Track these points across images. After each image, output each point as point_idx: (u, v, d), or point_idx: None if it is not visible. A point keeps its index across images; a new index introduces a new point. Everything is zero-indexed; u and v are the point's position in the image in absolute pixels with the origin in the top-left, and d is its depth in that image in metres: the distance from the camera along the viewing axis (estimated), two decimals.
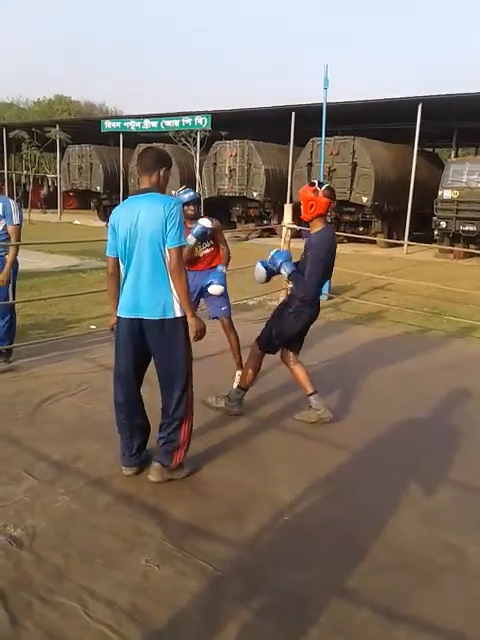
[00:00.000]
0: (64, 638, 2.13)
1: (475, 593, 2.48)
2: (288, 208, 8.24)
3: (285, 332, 4.12)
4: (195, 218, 4.67)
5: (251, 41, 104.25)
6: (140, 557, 2.60)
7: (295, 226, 8.26)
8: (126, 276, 3.17)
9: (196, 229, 4.54)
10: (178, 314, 3.14)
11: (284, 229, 8.15)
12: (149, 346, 3.21)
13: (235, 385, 4.43)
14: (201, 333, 3.19)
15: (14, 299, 5.34)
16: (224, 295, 4.79)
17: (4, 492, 3.08)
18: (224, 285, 4.75)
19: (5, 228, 5.10)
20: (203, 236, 4.62)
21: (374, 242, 17.33)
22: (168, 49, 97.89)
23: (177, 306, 3.13)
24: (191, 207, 4.66)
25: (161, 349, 3.19)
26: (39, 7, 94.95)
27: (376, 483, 3.40)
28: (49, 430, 3.90)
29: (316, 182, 3.93)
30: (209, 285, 4.71)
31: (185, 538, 2.75)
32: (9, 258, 5.05)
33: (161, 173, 3.17)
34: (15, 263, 5.15)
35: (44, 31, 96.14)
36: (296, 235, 10.46)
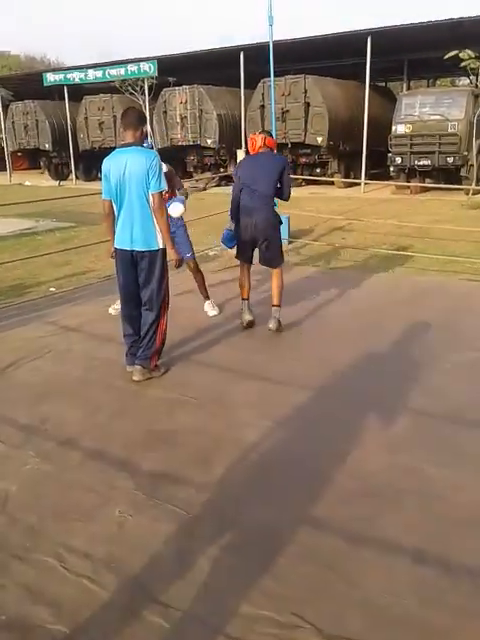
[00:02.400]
0: (44, 593, 2.19)
1: (436, 512, 2.62)
2: (242, 153, 8.11)
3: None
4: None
5: None
6: (114, 509, 2.66)
7: None
8: (119, 215, 3.91)
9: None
10: (160, 246, 3.93)
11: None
12: (138, 272, 3.96)
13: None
14: (179, 262, 4.14)
15: None
16: (186, 242, 5.30)
17: None
18: (183, 209, 5.02)
19: None
20: None
21: (332, 183, 17.26)
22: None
23: (159, 239, 3.91)
24: None
25: (146, 274, 3.95)
26: None
27: (338, 417, 3.52)
28: (14, 395, 3.90)
29: (257, 131, 5.28)
30: (170, 206, 4.80)
31: (156, 487, 2.83)
32: None
33: (143, 129, 3.90)
34: None
35: None
36: None
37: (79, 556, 2.37)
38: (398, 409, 3.57)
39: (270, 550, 2.39)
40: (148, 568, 2.30)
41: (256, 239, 4.91)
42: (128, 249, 3.91)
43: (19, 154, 26.34)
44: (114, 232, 3.98)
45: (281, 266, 5.08)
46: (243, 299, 5.12)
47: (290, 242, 8.83)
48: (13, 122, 24.05)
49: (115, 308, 5.34)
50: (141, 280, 4.00)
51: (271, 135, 5.09)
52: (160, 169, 3.83)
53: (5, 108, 24.33)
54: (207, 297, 5.55)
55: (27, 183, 23.11)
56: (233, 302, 5.65)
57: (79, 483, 2.88)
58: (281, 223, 5.12)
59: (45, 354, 4.59)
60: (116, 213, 3.95)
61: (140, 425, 3.46)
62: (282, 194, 4.95)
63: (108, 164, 3.89)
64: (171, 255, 4.01)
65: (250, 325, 5.06)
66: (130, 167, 3.77)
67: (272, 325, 4.92)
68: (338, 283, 6.54)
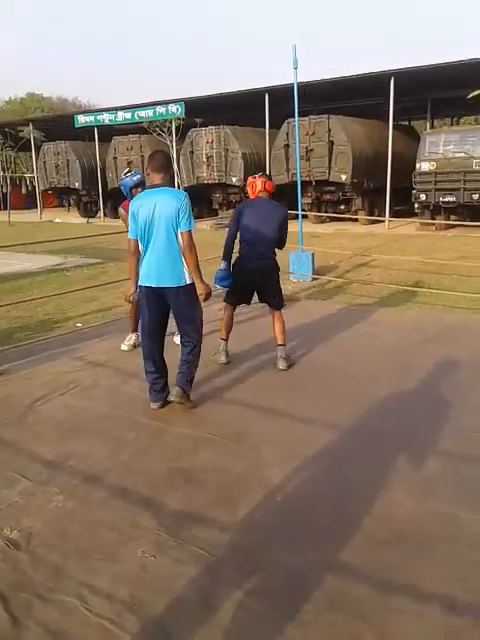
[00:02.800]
0: (65, 635, 2.16)
1: (468, 560, 2.53)
2: None
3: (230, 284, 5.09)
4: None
5: (220, 25, 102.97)
6: (137, 549, 2.63)
7: None
8: (146, 253, 4.00)
9: None
10: (188, 282, 4.01)
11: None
12: (171, 307, 4.09)
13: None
14: (207, 295, 4.12)
15: None
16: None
17: None
18: None
19: None
20: None
21: (356, 220, 17.35)
22: (137, 39, 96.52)
23: (187, 276, 4.00)
24: (139, 189, 5.02)
25: (179, 309, 4.08)
26: (4, 8, 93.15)
27: (366, 458, 3.45)
28: (41, 430, 3.92)
29: (256, 174, 5.17)
30: None
31: (180, 527, 2.79)
32: None
33: (171, 171, 4.11)
34: None
35: (11, 29, 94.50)
36: None
37: (102, 597, 2.34)
38: (428, 451, 3.49)
39: (295, 596, 2.33)
40: (171, 611, 2.26)
41: (254, 287, 5.03)
42: (155, 286, 3.98)
43: (49, 192, 27.13)
44: (137, 272, 4.07)
45: (282, 308, 5.10)
46: (222, 339, 5.12)
47: (314, 279, 8.86)
48: (45, 162, 24.88)
49: (128, 343, 5.49)
50: (175, 316, 4.14)
51: (270, 179, 5.14)
52: (190, 209, 3.94)
53: (37, 148, 25.20)
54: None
55: (57, 220, 23.74)
56: (256, 338, 5.64)
57: (103, 521, 2.86)
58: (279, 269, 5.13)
59: (72, 389, 4.63)
60: (142, 252, 4.03)
61: (164, 463, 3.44)
62: (279, 243, 5.02)
63: (137, 204, 3.99)
64: (200, 289, 4.08)
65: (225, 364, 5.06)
66: (160, 207, 3.87)
67: (282, 365, 4.90)
68: (364, 320, 6.51)
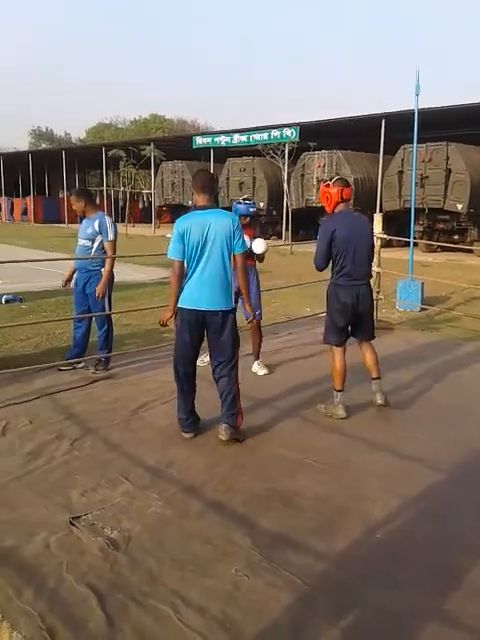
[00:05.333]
0: None
1: None
2: (378, 217, 8.06)
3: (326, 320, 4.56)
4: (246, 227, 5.02)
5: (335, 50, 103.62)
6: (230, 566, 2.62)
7: (385, 235, 8.07)
8: (193, 275, 3.84)
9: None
10: (233, 305, 3.97)
11: (374, 239, 7.98)
12: (209, 331, 3.90)
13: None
14: (253, 316, 4.23)
15: (110, 310, 5.60)
16: (258, 300, 5.44)
17: (103, 495, 3.22)
18: (265, 246, 5.30)
19: (101, 243, 5.37)
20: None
21: (470, 251, 16.59)
22: (255, 64, 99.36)
23: (233, 299, 3.96)
24: (247, 219, 5.24)
25: (220, 333, 3.89)
26: (134, 36, 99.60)
27: (471, 505, 3.24)
28: (144, 436, 4.04)
29: (329, 180, 4.50)
30: (253, 243, 5.18)
31: (274, 549, 2.75)
32: (106, 271, 5.33)
33: (216, 192, 4.09)
34: (111, 275, 5.41)
35: (139, 55, 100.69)
36: (387, 244, 10.23)
37: (194, 609, 2.34)
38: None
39: (392, 639, 2.21)
40: (262, 635, 2.21)
41: (356, 315, 4.44)
42: (201, 309, 3.82)
43: (164, 208, 28.37)
44: (178, 294, 3.89)
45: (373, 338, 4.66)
46: (337, 391, 4.45)
47: (422, 309, 8.55)
48: (162, 179, 26.12)
49: (204, 360, 5.18)
50: (213, 340, 3.92)
51: (348, 184, 4.46)
52: (242, 232, 3.91)
53: (157, 166, 26.49)
54: (257, 357, 5.59)
55: (168, 235, 24.70)
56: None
57: (198, 533, 2.88)
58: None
59: (175, 398, 4.72)
60: (188, 273, 3.85)
61: (261, 482, 3.42)
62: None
63: (187, 224, 3.79)
64: (248, 309, 4.14)
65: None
66: (214, 228, 3.76)
67: (380, 399, 4.50)
68: (476, 356, 6.17)
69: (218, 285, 3.82)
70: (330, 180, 4.46)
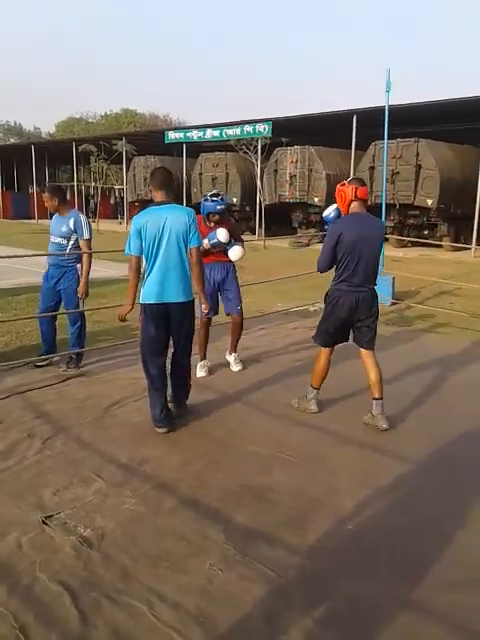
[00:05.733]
0: (133, 639, 2.19)
1: None
2: None
3: (320, 320, 4.44)
4: (218, 223, 5.19)
5: (310, 46, 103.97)
6: (205, 561, 2.64)
7: None
8: (151, 270, 3.94)
9: (213, 241, 5.08)
10: (192, 297, 4.08)
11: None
12: (171, 323, 4.02)
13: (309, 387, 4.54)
14: (207, 308, 4.30)
15: (83, 306, 5.56)
16: (238, 297, 5.41)
17: (75, 494, 3.20)
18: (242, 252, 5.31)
19: (76, 241, 5.33)
20: (216, 246, 5.15)
21: (440, 246, 16.86)
22: (228, 59, 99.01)
23: (191, 291, 4.07)
24: (216, 217, 5.18)
25: (180, 324, 4.04)
26: (105, 26, 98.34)
27: (442, 496, 3.31)
28: (117, 433, 4.03)
29: (346, 180, 4.34)
30: (230, 250, 5.25)
31: (248, 543, 2.78)
32: (85, 270, 5.33)
33: (173, 189, 4.12)
34: (75, 275, 5.39)
35: (109, 46, 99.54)
36: None
37: (168, 605, 2.35)
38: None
39: (365, 630, 2.26)
40: (237, 628, 2.24)
41: (353, 323, 4.26)
42: (163, 302, 3.94)
43: (136, 204, 28.11)
44: (136, 289, 4.01)
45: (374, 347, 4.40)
46: (315, 388, 4.43)
47: (393, 303, 8.67)
48: (134, 174, 25.85)
49: (204, 370, 5.35)
50: (175, 331, 4.06)
51: (363, 184, 4.28)
52: (197, 226, 4.01)
53: (128, 161, 26.23)
54: (234, 350, 5.59)
55: None
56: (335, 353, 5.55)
57: (172, 530, 2.89)
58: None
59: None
60: (147, 268, 3.96)
61: (234, 478, 3.44)
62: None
63: (143, 220, 3.89)
64: (202, 301, 4.23)
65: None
66: (170, 223, 3.86)
67: (384, 424, 4.12)
68: (445, 351, 6.29)
69: (178, 278, 3.95)
70: (347, 180, 4.30)
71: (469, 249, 16.23)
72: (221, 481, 3.39)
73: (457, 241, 17.18)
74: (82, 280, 5.34)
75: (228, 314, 5.51)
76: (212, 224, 5.18)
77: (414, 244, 17.28)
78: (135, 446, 3.83)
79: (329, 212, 4.52)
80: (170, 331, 4.07)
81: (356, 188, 4.15)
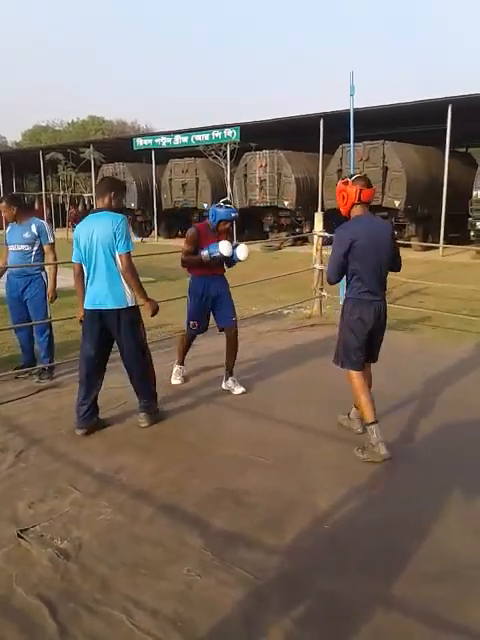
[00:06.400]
0: None
1: None
2: (319, 216, 8.25)
3: (341, 340, 3.95)
4: (228, 232, 4.96)
5: (277, 51, 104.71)
6: (182, 567, 2.64)
7: (326, 234, 8.24)
8: (88, 277, 4.05)
9: (214, 254, 4.75)
10: (130, 304, 4.05)
11: (315, 237, 8.16)
12: (110, 329, 4.07)
13: (356, 420, 4.14)
14: (154, 311, 4.16)
15: (52, 315, 5.54)
16: (231, 307, 5.04)
17: (51, 506, 3.17)
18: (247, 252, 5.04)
19: (40, 247, 5.37)
20: (216, 259, 4.83)
21: (409, 246, 17.11)
22: (195, 65, 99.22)
23: (129, 297, 4.03)
24: (227, 225, 4.90)
25: (120, 330, 4.05)
26: (69, 30, 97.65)
27: (419, 490, 3.36)
28: (91, 444, 4.00)
29: (348, 177, 3.84)
30: (236, 249, 4.95)
31: (225, 547, 2.78)
32: (52, 274, 5.38)
33: (111, 196, 4.02)
34: (42, 283, 5.41)
35: (75, 54, 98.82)
36: (328, 242, 10.44)
37: (147, 612, 2.35)
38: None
39: (343, 627, 2.28)
40: (215, 632, 2.25)
41: (375, 334, 3.89)
42: (97, 309, 4.02)
43: None
44: (83, 295, 4.11)
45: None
46: (372, 422, 3.72)
47: None
48: None
49: (178, 378, 5.24)
50: (117, 341, 4.12)
51: (369, 185, 3.80)
52: (126, 231, 3.95)
53: (97, 169, 26.06)
54: (231, 372, 5.04)
55: None
56: (310, 354, 5.61)
57: (150, 537, 2.89)
58: None
59: (120, 405, 4.71)
60: (86, 275, 4.07)
61: (211, 482, 3.44)
62: (397, 266, 3.99)
63: (79, 229, 4.07)
64: (147, 306, 4.11)
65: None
66: (98, 231, 3.92)
67: (386, 453, 3.65)
68: (419, 347, 6.39)
69: (107, 285, 3.97)
70: (350, 177, 3.80)
71: (437, 248, 16.52)
72: (198, 486, 3.39)
73: (425, 241, 17.48)
74: (50, 285, 5.38)
75: (222, 330, 5.08)
76: (217, 233, 4.88)
77: None
78: (110, 455, 3.81)
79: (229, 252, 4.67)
80: (111, 336, 4.14)
81: (360, 190, 3.70)
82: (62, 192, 28.29)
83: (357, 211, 3.78)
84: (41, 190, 31.13)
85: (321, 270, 8.05)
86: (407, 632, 2.26)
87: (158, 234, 24.35)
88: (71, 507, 3.16)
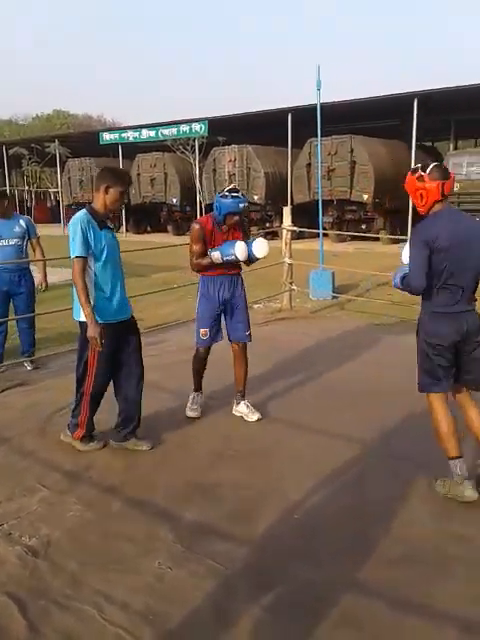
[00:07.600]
0: None
1: None
2: (287, 211, 8.28)
3: (420, 359, 3.30)
4: (238, 225, 4.13)
5: (245, 47, 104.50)
6: (153, 561, 2.65)
7: (295, 228, 8.32)
8: None
9: (228, 257, 4.01)
10: (81, 319, 3.56)
11: (284, 231, 8.20)
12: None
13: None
14: (91, 339, 3.46)
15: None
16: (246, 319, 4.33)
17: (19, 504, 3.15)
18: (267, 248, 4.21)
19: (27, 241, 5.61)
20: (231, 262, 4.11)
21: (377, 239, 17.34)
22: (164, 58, 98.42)
23: (78, 310, 3.57)
24: (235, 217, 4.02)
25: (79, 339, 3.69)
26: (36, 18, 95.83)
27: (385, 477, 3.44)
28: (61, 441, 3.96)
29: (418, 167, 3.13)
30: (254, 244, 4.13)
31: (196, 540, 2.81)
32: (42, 267, 5.76)
33: (103, 190, 3.53)
34: (31, 277, 5.67)
35: (40, 44, 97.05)
36: (297, 237, 10.50)
37: (118, 606, 2.36)
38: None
39: (311, 612, 2.33)
40: (186, 623, 2.27)
41: (463, 350, 3.16)
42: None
43: (73, 207, 27.54)
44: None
45: None
46: (456, 457, 3.15)
47: (334, 297, 8.87)
48: (69, 177, 25.32)
49: (193, 408, 4.40)
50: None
51: (448, 174, 3.08)
52: (75, 233, 3.40)
53: (62, 164, 25.68)
54: (243, 395, 4.35)
55: None
56: (281, 349, 5.65)
57: (120, 532, 2.89)
58: None
59: None
60: None
61: (181, 477, 3.46)
62: None
63: None
64: (89, 330, 3.45)
65: None
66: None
67: (472, 493, 3.11)
68: (386, 338, 6.49)
69: (74, 293, 3.57)
70: (421, 168, 3.08)
71: (405, 241, 16.76)
72: (168, 481, 3.41)
73: (393, 234, 17.72)
74: (41, 276, 5.70)
75: (233, 342, 4.34)
76: (227, 228, 4.06)
77: (353, 238, 17.69)
78: (79, 452, 3.78)
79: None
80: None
81: (442, 183, 3.01)
82: (26, 188, 27.82)
83: (438, 207, 3.10)
84: (5, 186, 30.53)
85: (290, 264, 8.12)
86: (375, 614, 2.31)
87: (127, 230, 24.14)
88: (40, 505, 3.14)
